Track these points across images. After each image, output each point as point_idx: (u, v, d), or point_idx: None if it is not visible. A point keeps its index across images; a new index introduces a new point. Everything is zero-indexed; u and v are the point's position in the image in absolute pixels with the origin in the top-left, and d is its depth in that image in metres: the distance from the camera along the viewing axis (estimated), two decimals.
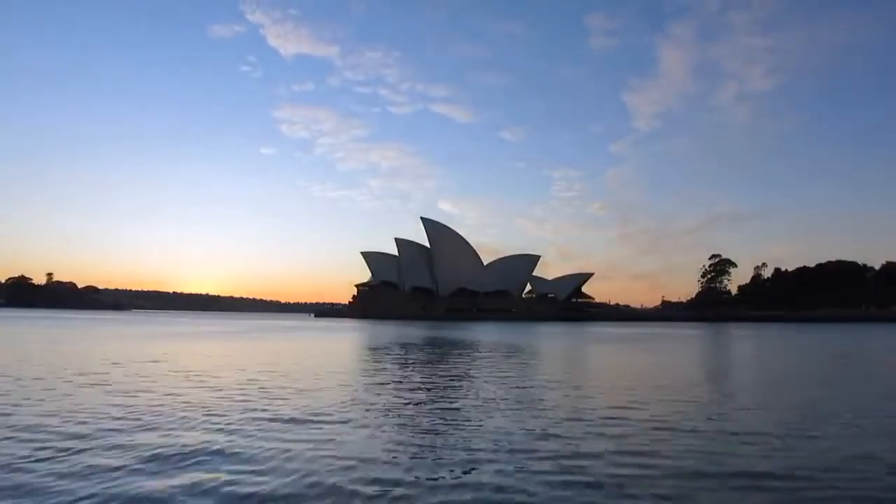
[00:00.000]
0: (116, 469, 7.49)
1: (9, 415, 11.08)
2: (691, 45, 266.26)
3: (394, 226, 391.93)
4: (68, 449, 8.47)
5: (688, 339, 52.12)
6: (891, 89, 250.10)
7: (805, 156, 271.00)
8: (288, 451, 8.54)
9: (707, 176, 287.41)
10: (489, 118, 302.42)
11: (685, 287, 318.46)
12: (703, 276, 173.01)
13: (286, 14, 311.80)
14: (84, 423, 10.38)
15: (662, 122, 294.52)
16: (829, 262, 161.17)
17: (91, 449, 8.50)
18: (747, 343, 45.40)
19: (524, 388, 16.25)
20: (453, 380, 17.99)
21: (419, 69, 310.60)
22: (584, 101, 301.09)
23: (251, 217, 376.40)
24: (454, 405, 13.04)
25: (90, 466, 7.59)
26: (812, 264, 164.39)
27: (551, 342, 43.45)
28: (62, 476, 7.18)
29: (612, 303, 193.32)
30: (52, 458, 8.02)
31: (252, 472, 7.49)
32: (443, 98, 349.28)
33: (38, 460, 7.88)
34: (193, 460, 7.96)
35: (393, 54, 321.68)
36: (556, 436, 9.78)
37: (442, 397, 14.31)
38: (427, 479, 7.31)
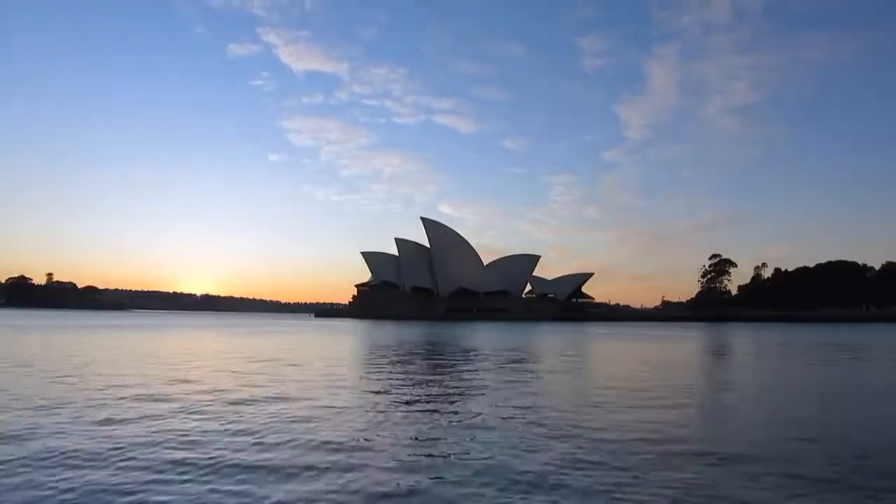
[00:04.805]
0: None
1: None
2: (677, 65, 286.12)
3: (395, 228, 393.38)
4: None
5: (691, 339, 52.15)
6: (878, 98, 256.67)
7: (799, 159, 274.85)
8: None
9: (701, 180, 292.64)
10: (491, 128, 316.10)
11: (685, 287, 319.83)
12: (703, 277, 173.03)
13: (298, 35, 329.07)
14: None
15: (654, 131, 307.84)
16: (829, 262, 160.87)
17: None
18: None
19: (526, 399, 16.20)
20: (444, 382, 17.96)
21: (424, 84, 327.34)
22: (579, 112, 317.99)
23: (253, 219, 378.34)
24: (442, 408, 13.01)
25: None
26: (812, 264, 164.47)
27: (554, 344, 43.43)
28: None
29: (612, 303, 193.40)
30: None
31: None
32: (446, 110, 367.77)
33: None
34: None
35: (399, 71, 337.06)
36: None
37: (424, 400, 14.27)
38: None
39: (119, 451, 7.85)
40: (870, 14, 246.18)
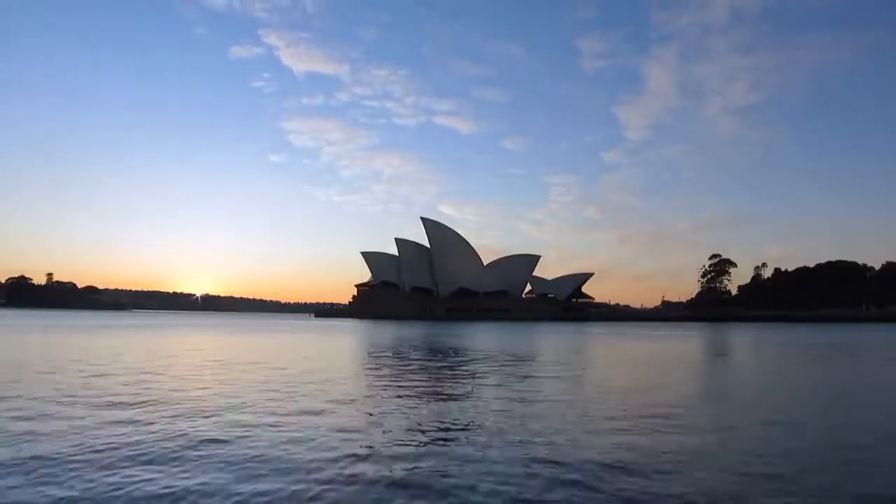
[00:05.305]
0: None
1: None
2: (675, 66, 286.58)
3: (395, 228, 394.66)
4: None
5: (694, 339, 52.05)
6: (877, 98, 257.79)
7: (797, 160, 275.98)
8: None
9: (701, 180, 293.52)
10: (491, 129, 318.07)
11: (685, 287, 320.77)
12: (703, 277, 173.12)
13: (299, 37, 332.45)
14: None
15: (653, 132, 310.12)
16: (829, 262, 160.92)
17: None
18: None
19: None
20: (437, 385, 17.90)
21: (424, 85, 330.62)
22: (579, 113, 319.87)
23: (253, 219, 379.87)
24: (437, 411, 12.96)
25: None
26: (811, 264, 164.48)
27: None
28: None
29: (612, 303, 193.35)
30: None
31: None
32: (446, 111, 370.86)
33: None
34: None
35: (399, 72, 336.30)
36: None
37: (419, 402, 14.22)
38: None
39: None
40: (868, 15, 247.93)
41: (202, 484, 6.69)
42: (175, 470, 7.21)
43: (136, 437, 8.96)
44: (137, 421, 10.31)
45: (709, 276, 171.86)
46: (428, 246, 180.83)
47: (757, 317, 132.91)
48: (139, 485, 6.63)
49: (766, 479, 7.22)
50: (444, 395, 14.27)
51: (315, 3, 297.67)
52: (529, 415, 11.48)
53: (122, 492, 6.41)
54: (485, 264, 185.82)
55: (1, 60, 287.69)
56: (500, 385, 16.20)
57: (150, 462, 7.57)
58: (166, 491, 6.43)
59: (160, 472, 7.12)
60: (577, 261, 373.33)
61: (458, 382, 16.84)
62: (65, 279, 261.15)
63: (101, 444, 8.45)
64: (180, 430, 9.48)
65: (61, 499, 6.18)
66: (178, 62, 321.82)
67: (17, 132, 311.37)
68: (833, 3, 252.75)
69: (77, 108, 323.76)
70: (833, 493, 6.72)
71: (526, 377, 18.69)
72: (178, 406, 11.88)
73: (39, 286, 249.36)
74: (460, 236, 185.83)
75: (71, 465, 7.34)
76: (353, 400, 13.22)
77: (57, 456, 7.77)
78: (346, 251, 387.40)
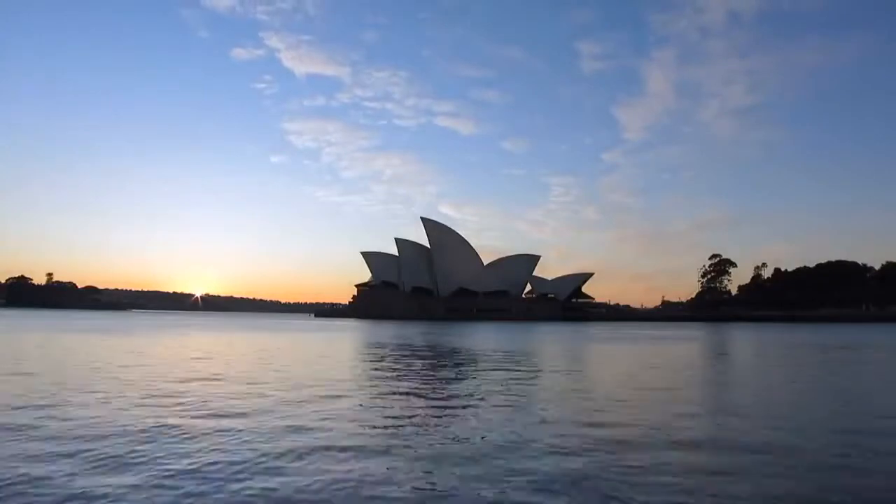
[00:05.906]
0: None
1: None
2: (674, 69, 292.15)
3: (395, 228, 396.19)
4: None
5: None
6: (876, 99, 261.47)
7: (797, 160, 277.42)
8: None
9: (700, 180, 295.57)
10: (491, 130, 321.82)
11: (685, 287, 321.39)
12: (703, 277, 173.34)
13: (301, 40, 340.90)
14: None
15: (651, 134, 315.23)
16: (829, 262, 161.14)
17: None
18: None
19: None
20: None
21: (424, 87, 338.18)
22: (578, 115, 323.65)
23: (254, 219, 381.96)
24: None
25: None
26: (811, 264, 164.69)
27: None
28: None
29: (612, 303, 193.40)
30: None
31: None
32: (447, 112, 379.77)
33: None
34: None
35: (400, 74, 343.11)
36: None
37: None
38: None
39: None
40: (865, 16, 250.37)
41: None
42: None
43: None
44: None
45: (709, 276, 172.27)
46: (428, 246, 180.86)
47: (757, 317, 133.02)
48: None
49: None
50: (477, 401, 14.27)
51: (316, 6, 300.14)
52: (526, 415, 11.50)
53: None
54: (485, 264, 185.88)
55: (1, 60, 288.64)
56: (499, 385, 16.21)
57: None
58: None
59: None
60: (577, 261, 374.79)
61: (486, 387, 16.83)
62: (65, 279, 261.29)
63: None
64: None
65: None
66: (180, 64, 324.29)
67: (17, 132, 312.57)
68: (829, 5, 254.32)
69: (77, 108, 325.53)
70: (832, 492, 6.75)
71: (525, 379, 18.70)
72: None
73: (39, 286, 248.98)
74: (460, 236, 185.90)
75: None
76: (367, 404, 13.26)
77: None
78: (346, 251, 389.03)
